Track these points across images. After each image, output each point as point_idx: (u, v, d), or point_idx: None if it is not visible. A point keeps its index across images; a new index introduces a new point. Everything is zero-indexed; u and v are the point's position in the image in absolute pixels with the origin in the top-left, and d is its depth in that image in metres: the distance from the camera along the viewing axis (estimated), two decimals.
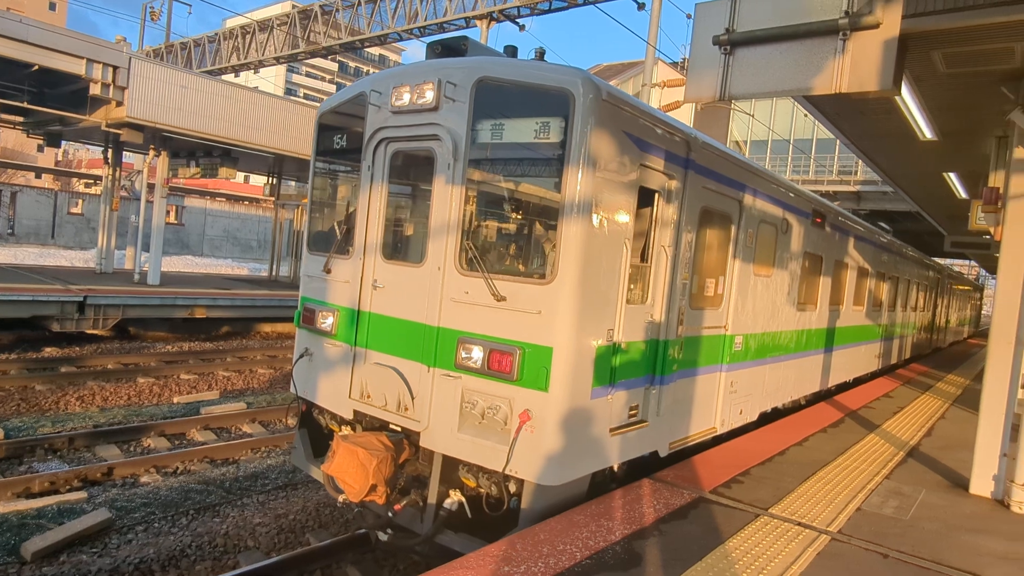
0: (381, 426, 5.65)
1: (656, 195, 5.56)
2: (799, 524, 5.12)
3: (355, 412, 5.80)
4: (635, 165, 5.11)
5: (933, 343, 23.56)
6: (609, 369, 5.14)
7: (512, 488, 4.94)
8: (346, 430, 5.92)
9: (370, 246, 5.77)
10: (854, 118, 9.26)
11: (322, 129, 6.49)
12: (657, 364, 5.80)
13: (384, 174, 5.74)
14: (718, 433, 7.16)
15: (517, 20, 20.72)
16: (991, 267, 31.20)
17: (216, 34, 30.74)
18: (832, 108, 8.88)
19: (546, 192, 4.96)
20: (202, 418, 10.73)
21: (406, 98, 5.38)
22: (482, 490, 5.09)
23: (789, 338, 9.00)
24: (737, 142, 39.40)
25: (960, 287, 31.39)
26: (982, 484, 6.35)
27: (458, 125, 5.11)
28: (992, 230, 7.14)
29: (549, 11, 20.39)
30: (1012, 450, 6.14)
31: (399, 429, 5.49)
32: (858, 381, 13.43)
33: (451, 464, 5.21)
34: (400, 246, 5.92)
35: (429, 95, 5.22)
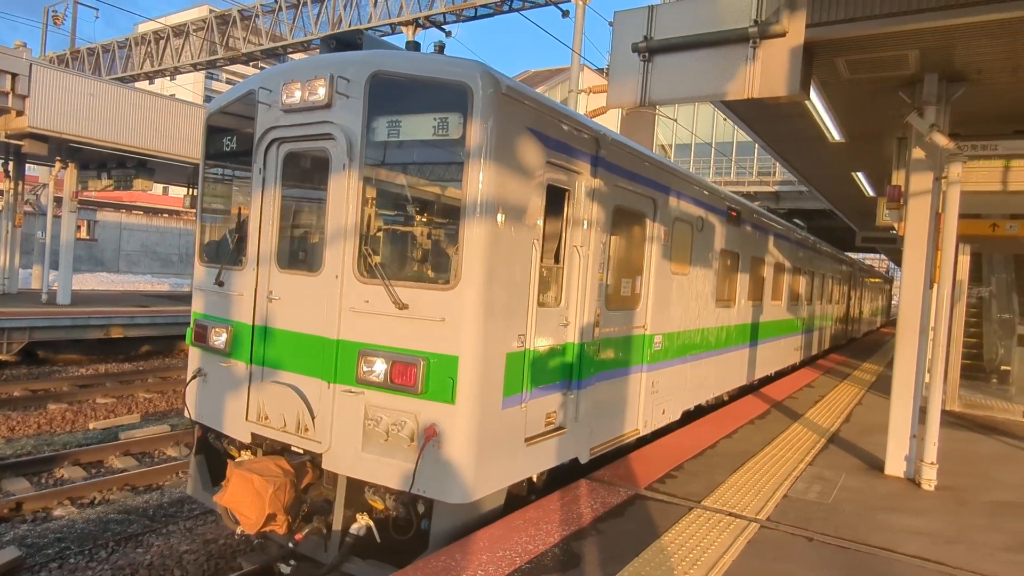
0: (283, 449, 5.33)
1: (566, 194, 5.42)
2: (730, 514, 5.29)
3: (253, 435, 5.41)
4: (542, 163, 4.94)
5: (849, 334, 24.71)
6: (522, 376, 4.96)
7: (421, 509, 4.74)
8: (246, 455, 5.55)
9: (264, 255, 5.42)
10: (770, 122, 9.71)
11: (211, 131, 6.11)
12: (574, 368, 5.65)
13: (277, 177, 5.40)
14: (642, 435, 7.09)
15: (443, 27, 20.69)
16: (898, 260, 33.32)
17: (127, 39, 29.28)
18: (748, 112, 9.27)
19: (447, 192, 4.76)
20: (121, 444, 10.14)
21: (297, 95, 5.07)
22: (391, 512, 4.86)
23: (710, 335, 9.04)
24: (662, 146, 40.60)
25: (871, 280, 33.33)
26: (896, 465, 6.74)
27: (353, 123, 4.85)
28: (896, 225, 7.62)
29: (475, 17, 20.45)
30: (921, 432, 6.54)
31: (301, 451, 5.16)
32: (780, 375, 13.70)
33: (357, 486, 4.93)
34: (296, 254, 5.60)
35: (321, 92, 4.92)
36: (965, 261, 10.85)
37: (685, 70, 4.39)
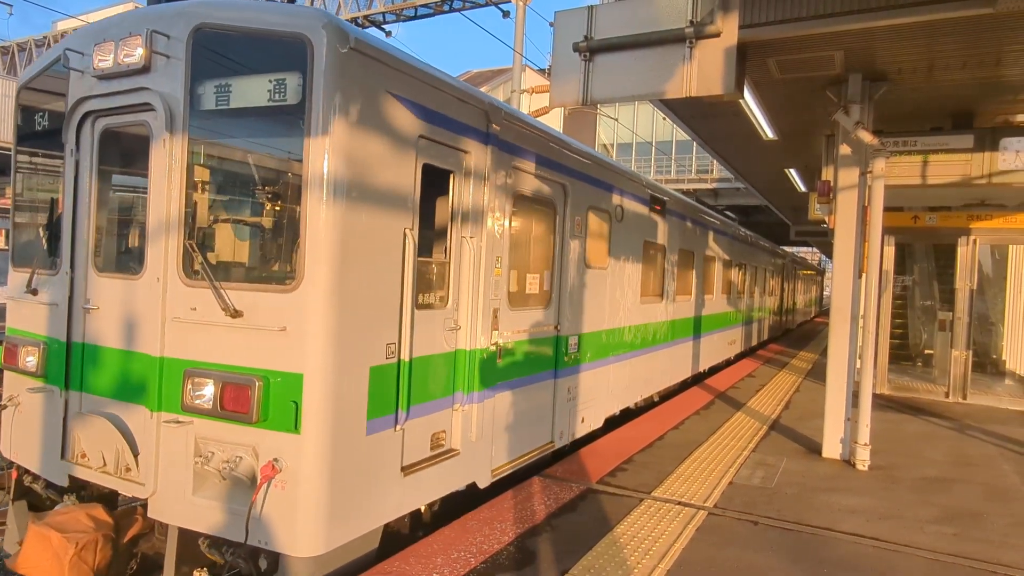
0: (111, 493, 4.51)
1: (451, 176, 4.74)
2: (679, 503, 5.42)
3: (71, 478, 4.51)
4: (412, 137, 4.22)
5: (784, 325, 25.46)
6: (395, 393, 4.22)
7: (264, 564, 3.97)
8: (69, 500, 4.70)
9: (79, 256, 4.51)
10: (707, 120, 10.00)
11: (24, 110, 5.12)
12: (468, 378, 4.97)
13: (92, 160, 4.48)
14: (557, 447, 6.54)
15: (383, 26, 20.46)
16: (830, 253, 34.79)
17: (45, 37, 27.83)
18: (686, 111, 9.52)
19: (288, 172, 4.01)
20: None
21: (110, 58, 4.19)
22: (234, 568, 4.08)
23: (634, 334, 8.51)
24: (604, 145, 41.27)
25: (805, 272, 34.71)
26: (832, 447, 7.05)
27: (174, 89, 4.03)
28: (827, 219, 7.97)
29: (415, 17, 20.32)
30: (854, 415, 6.86)
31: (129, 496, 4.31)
32: (716, 370, 13.58)
33: (192, 537, 4.12)
34: (117, 254, 4.75)
35: (137, 52, 4.06)
36: (890, 252, 11.43)
37: (625, 69, 4.48)
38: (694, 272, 11.38)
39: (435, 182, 4.63)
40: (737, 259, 15.00)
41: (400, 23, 21.59)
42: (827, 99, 7.39)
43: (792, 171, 13.18)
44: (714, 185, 34.06)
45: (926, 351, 13.76)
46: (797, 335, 25.23)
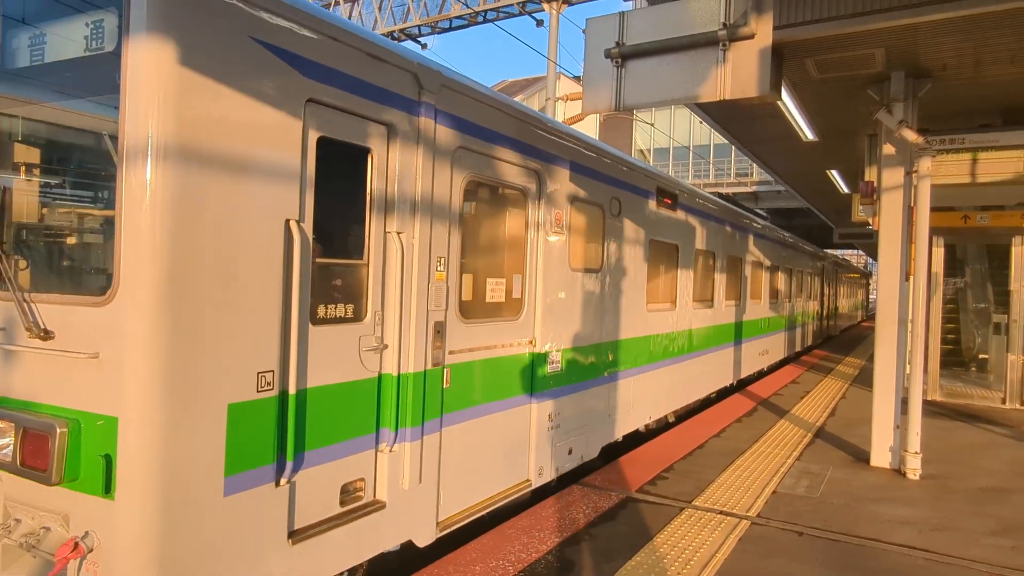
0: None
1: (368, 156, 3.83)
2: (721, 512, 5.32)
3: None
4: (296, 101, 3.26)
5: (827, 330, 24.11)
6: (274, 437, 3.23)
7: None
8: None
9: None
10: (744, 123, 9.85)
11: None
12: (398, 410, 4.00)
13: None
14: (536, 486, 5.52)
15: (419, 39, 20.77)
16: (875, 255, 33.78)
17: None
18: (722, 114, 9.40)
19: (109, 144, 3.06)
20: None
21: None
22: None
23: (640, 346, 7.45)
24: (641, 150, 41.02)
25: (849, 275, 33.65)
26: (881, 456, 6.83)
27: None
28: (871, 220, 7.76)
29: (450, 29, 20.56)
30: (903, 422, 6.64)
31: None
32: (745, 384, 12.47)
33: None
34: None
35: None
36: (940, 253, 11.05)
37: (657, 74, 4.46)
38: (716, 276, 10.24)
39: (345, 162, 3.77)
40: (771, 261, 13.94)
41: (435, 35, 21.88)
42: (868, 98, 7.21)
43: (834, 172, 12.87)
44: (754, 188, 33.50)
45: (980, 356, 13.23)
46: (842, 340, 24.54)
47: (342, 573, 3.75)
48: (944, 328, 11.93)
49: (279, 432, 3.26)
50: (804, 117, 8.40)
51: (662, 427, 8.48)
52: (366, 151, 3.83)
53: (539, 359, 5.50)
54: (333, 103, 3.53)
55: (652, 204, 7.62)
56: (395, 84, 3.94)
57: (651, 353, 7.83)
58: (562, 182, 5.74)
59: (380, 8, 22.22)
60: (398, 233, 3.99)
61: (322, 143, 3.50)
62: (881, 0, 5.41)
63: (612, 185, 6.64)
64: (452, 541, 4.70)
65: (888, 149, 6.81)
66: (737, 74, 4.10)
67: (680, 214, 8.52)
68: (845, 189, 13.88)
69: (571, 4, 16.34)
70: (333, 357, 3.63)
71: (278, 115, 3.21)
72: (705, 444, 7.57)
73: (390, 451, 4.00)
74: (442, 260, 4.35)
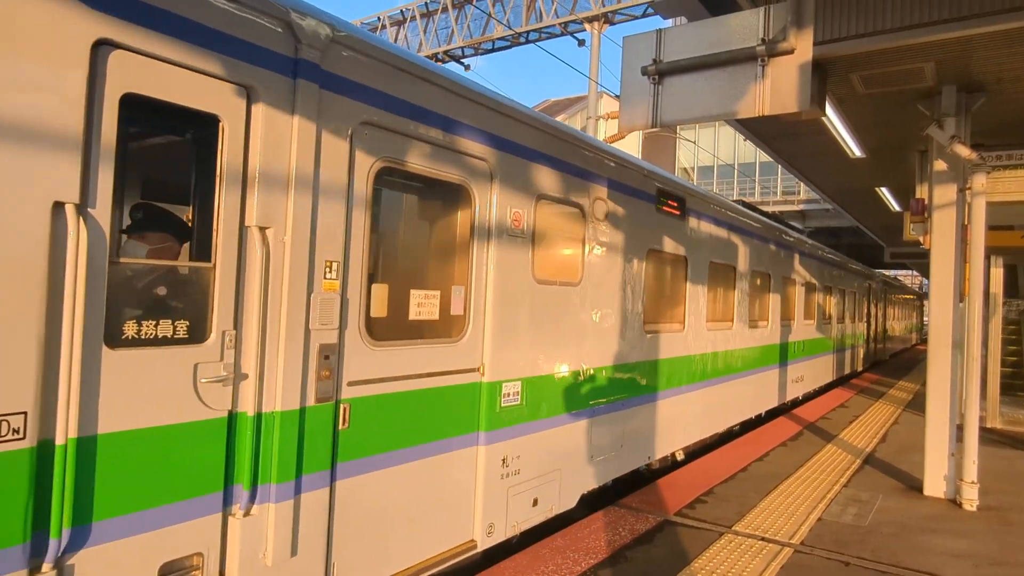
0: None
1: (219, 126, 2.97)
2: (763, 539, 5.16)
3: None
4: (75, 40, 2.47)
5: (876, 353, 22.44)
6: (24, 504, 2.39)
7: None
8: None
9: None
10: (788, 140, 9.68)
11: None
12: (260, 461, 3.11)
13: None
14: (485, 547, 4.51)
15: (462, 60, 21.15)
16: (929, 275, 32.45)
17: None
18: (766, 131, 9.26)
19: None
20: None
21: None
22: None
23: (632, 374, 6.35)
24: (685, 168, 40.69)
25: (902, 296, 32.26)
26: (935, 485, 6.52)
27: None
28: (921, 239, 7.50)
29: (493, 50, 20.88)
30: (959, 450, 6.34)
31: None
32: (775, 414, 11.32)
33: None
34: None
35: None
36: (998, 273, 10.58)
37: (695, 90, 4.43)
38: (738, 294, 9.05)
39: (177, 132, 3.11)
40: (807, 279, 12.63)
41: (479, 56, 22.24)
42: (918, 113, 7.01)
43: (884, 190, 12.51)
44: (801, 207, 32.81)
45: None
46: (895, 364, 23.64)
47: None
48: (1006, 351, 11.37)
49: (35, 498, 2.40)
50: (851, 133, 8.21)
51: (667, 466, 7.44)
52: (212, 119, 2.94)
53: (490, 390, 4.45)
54: (146, 49, 2.65)
55: (650, 208, 6.58)
56: (258, 34, 3.06)
57: (650, 382, 6.72)
58: (524, 176, 4.75)
59: (425, 31, 22.74)
60: (262, 228, 3.08)
61: (132, 103, 2.64)
62: (930, 12, 5.28)
63: (596, 183, 5.64)
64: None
65: (939, 165, 6.59)
66: (776, 90, 4.05)
67: (690, 222, 7.43)
68: (896, 207, 13.46)
69: (612, 24, 16.42)
70: (151, 391, 2.73)
71: (37, 58, 2.36)
72: (748, 467, 7.37)
73: (245, 516, 3.04)
74: (334, 265, 3.42)
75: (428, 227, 4.51)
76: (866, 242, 25.86)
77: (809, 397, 13.68)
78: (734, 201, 9.56)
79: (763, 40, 4.09)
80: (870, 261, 28.64)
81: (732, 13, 4.43)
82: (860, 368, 19.63)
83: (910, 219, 8.03)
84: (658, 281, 6.95)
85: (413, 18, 23.77)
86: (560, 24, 18.18)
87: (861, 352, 19.83)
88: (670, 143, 38.87)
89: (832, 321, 15.35)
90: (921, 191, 7.74)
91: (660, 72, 4.58)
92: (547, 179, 5.02)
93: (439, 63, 24.42)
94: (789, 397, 12.00)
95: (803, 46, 3.97)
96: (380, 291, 3.79)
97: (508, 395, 4.66)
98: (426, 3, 22.69)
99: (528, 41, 19.91)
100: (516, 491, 4.77)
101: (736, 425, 9.41)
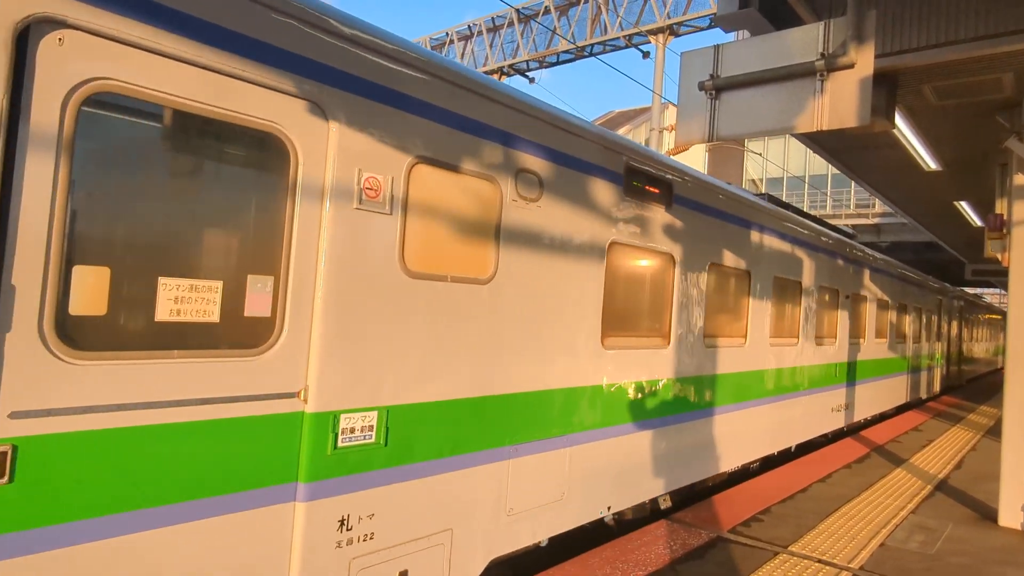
0: None
1: None
2: (819, 561, 5.03)
3: None
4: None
5: (951, 377, 20.17)
6: None
7: None
8: None
9: None
10: (857, 153, 9.40)
11: None
12: None
13: None
14: None
15: (526, 74, 21.45)
16: None
17: None
18: (834, 144, 9.04)
19: None
20: None
21: None
22: None
23: (571, 401, 4.83)
24: (753, 180, 39.72)
25: (985, 316, 29.90)
26: (1010, 515, 6.18)
27: None
28: (1000, 256, 7.15)
29: (558, 63, 21.08)
30: None
31: None
32: (810, 447, 9.69)
33: None
34: None
35: None
36: None
37: (752, 105, 4.42)
38: (753, 304, 7.40)
39: None
40: (854, 291, 10.73)
41: (543, 69, 22.50)
42: (998, 125, 6.72)
43: (963, 204, 11.93)
44: (876, 221, 31.50)
45: None
46: (976, 388, 22.29)
47: None
48: None
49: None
50: (924, 145, 7.92)
51: (647, 515, 6.08)
52: None
53: (317, 424, 3.22)
54: None
55: (611, 190, 5.09)
56: None
57: (604, 411, 5.18)
58: (385, 126, 3.50)
59: (491, 45, 23.18)
60: None
61: None
62: (1007, 21, 5.09)
63: (521, 150, 4.28)
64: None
65: (1020, 179, 6.29)
66: (835, 104, 4.00)
67: (679, 212, 5.89)
68: (977, 222, 12.81)
69: (678, 36, 16.33)
70: None
71: None
72: (808, 488, 7.17)
73: None
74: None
75: (202, 189, 2.96)
76: (946, 258, 24.59)
77: (856, 429, 11.78)
78: (757, 196, 8.07)
79: (822, 54, 4.06)
80: (951, 278, 27.19)
81: (792, 28, 4.41)
82: (936, 391, 18.38)
83: (988, 235, 7.67)
84: (626, 284, 5.44)
85: (480, 33, 24.28)
86: (624, 37, 18.19)
87: (946, 371, 18.71)
88: (737, 155, 38.08)
89: (901, 340, 13.82)
90: (1001, 206, 7.39)
91: (717, 87, 4.60)
92: (432, 135, 3.72)
93: (504, 76, 24.85)
94: (823, 430, 9.92)
95: (863, 60, 3.92)
96: (91, 277, 2.57)
97: (352, 431, 3.39)
98: (492, 18, 23.17)
99: (592, 54, 20.00)
100: (366, 563, 3.45)
101: (738, 466, 7.47)
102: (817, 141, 8.99)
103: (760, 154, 30.46)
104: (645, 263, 5.69)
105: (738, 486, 7.05)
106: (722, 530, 5.61)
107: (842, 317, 10.21)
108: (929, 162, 8.56)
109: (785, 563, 4.95)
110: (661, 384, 5.85)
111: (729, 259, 6.85)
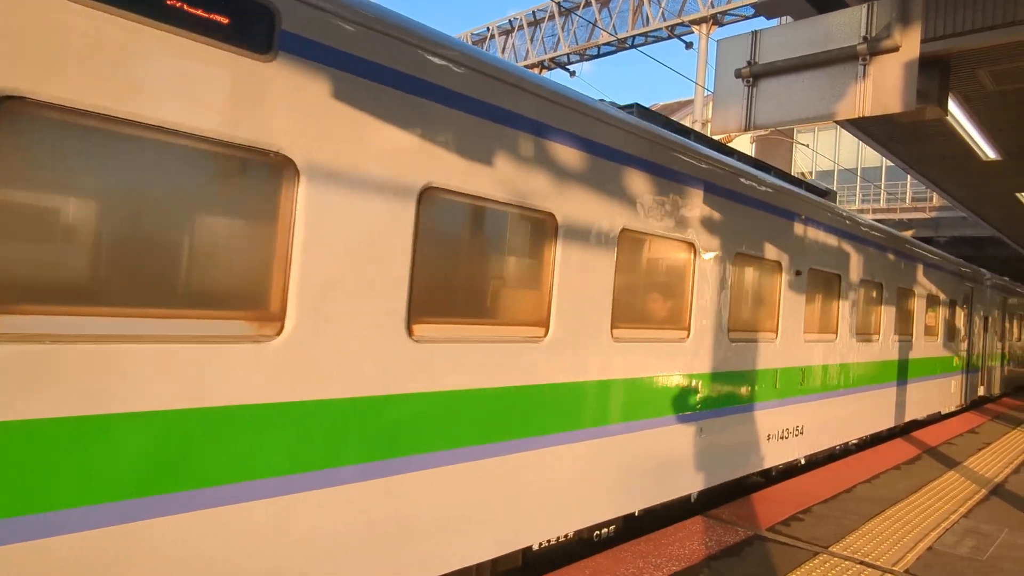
0: None
1: None
2: (861, 563, 4.88)
3: None
4: None
5: (1004, 380, 17.47)
6: None
7: None
8: None
9: None
10: (909, 143, 9.05)
11: None
12: None
13: None
14: None
15: (567, 67, 21.32)
16: None
17: None
18: (882, 133, 8.71)
19: None
20: None
21: None
22: None
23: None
24: (802, 172, 38.61)
25: None
26: None
27: None
28: None
29: (598, 56, 20.89)
30: None
31: None
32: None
33: None
34: None
35: None
36: None
37: (790, 92, 4.28)
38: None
39: None
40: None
41: (584, 62, 22.32)
42: None
43: None
44: (933, 214, 30.21)
45: None
46: None
47: None
48: None
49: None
50: (982, 134, 7.57)
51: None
52: None
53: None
54: None
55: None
56: None
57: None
58: None
59: (532, 39, 23.12)
60: None
61: None
62: None
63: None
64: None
65: None
66: (879, 89, 3.84)
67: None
68: None
69: (722, 25, 15.98)
70: None
71: None
72: (853, 489, 6.95)
73: None
74: None
75: None
76: (1011, 254, 23.42)
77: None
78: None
79: (865, 38, 3.91)
80: (1015, 274, 25.89)
81: (834, 11, 4.25)
82: (996, 392, 17.04)
83: None
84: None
85: (520, 27, 24.22)
86: (667, 27, 17.88)
87: (1008, 370, 16.75)
88: (786, 146, 37.06)
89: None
90: None
91: (754, 74, 4.48)
92: None
93: (544, 71, 24.77)
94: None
95: (909, 43, 3.75)
96: None
97: None
98: (533, 12, 23.07)
99: (633, 46, 19.73)
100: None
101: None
102: (866, 130, 8.68)
103: (807, 145, 29.53)
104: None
105: (778, 484, 6.88)
106: (760, 528, 5.49)
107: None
108: (988, 151, 8.17)
109: (825, 563, 4.82)
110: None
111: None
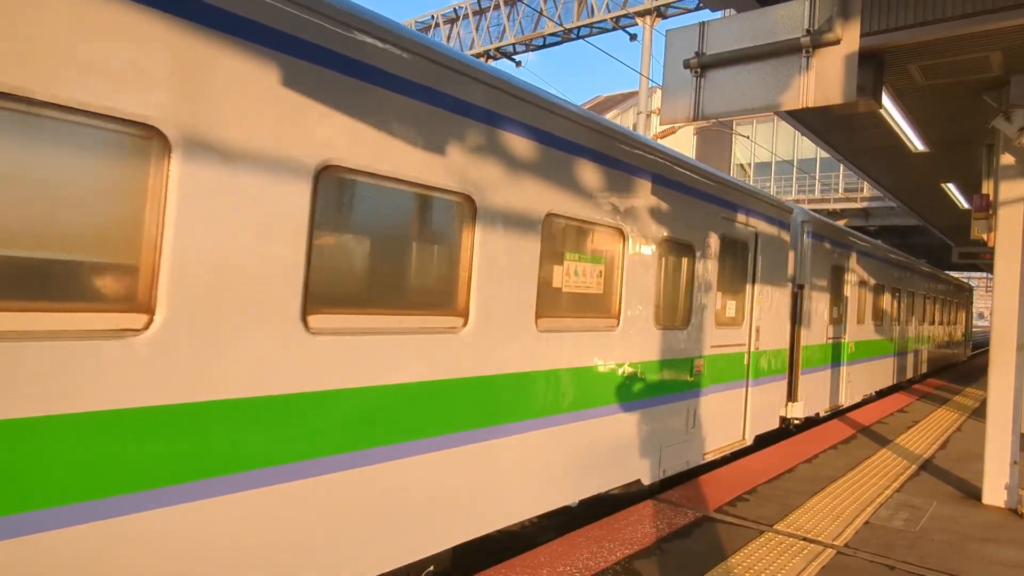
0: None
1: None
2: (804, 539, 5.07)
3: None
4: None
5: (923, 362, 18.03)
6: None
7: None
8: None
9: None
10: (843, 133, 9.39)
11: None
12: None
13: None
14: None
15: (513, 57, 21.25)
16: None
17: None
18: (819, 124, 9.02)
19: None
20: None
21: None
22: None
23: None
24: (741, 165, 39.72)
25: (961, 297, 26.64)
26: (994, 494, 6.25)
27: None
28: (985, 237, 7.18)
29: (544, 46, 20.90)
30: (1022, 458, 6.06)
31: None
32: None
33: None
34: None
35: None
36: None
37: (737, 83, 4.37)
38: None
39: None
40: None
41: (530, 52, 22.29)
42: (985, 105, 6.71)
43: (950, 186, 11.97)
44: (864, 204, 31.58)
45: None
46: (967, 369, 22.53)
47: None
48: None
49: None
50: (911, 126, 7.92)
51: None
52: None
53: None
54: None
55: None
56: None
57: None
58: None
59: (477, 28, 22.94)
60: None
61: None
62: None
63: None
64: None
65: (1007, 159, 6.30)
66: (821, 81, 3.96)
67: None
68: (964, 204, 12.87)
69: (665, 17, 16.21)
70: None
71: None
72: (794, 469, 7.22)
73: None
74: None
75: None
76: (934, 241, 24.72)
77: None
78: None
79: (808, 31, 4.02)
80: (938, 261, 27.35)
81: (778, 4, 4.35)
82: (932, 370, 17.88)
83: (974, 216, 7.69)
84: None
85: (466, 16, 24.01)
86: (612, 19, 18.04)
87: (938, 354, 17.53)
88: (726, 139, 38.02)
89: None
90: (987, 187, 7.40)
91: (702, 65, 4.55)
92: None
93: (490, 60, 24.61)
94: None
95: (849, 36, 3.88)
96: None
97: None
98: (478, 0, 22.91)
99: (579, 36, 19.84)
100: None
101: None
102: (803, 121, 8.96)
103: (747, 137, 30.40)
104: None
105: (724, 467, 7.09)
106: (708, 509, 5.63)
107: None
108: (916, 143, 8.57)
109: (770, 541, 4.98)
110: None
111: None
